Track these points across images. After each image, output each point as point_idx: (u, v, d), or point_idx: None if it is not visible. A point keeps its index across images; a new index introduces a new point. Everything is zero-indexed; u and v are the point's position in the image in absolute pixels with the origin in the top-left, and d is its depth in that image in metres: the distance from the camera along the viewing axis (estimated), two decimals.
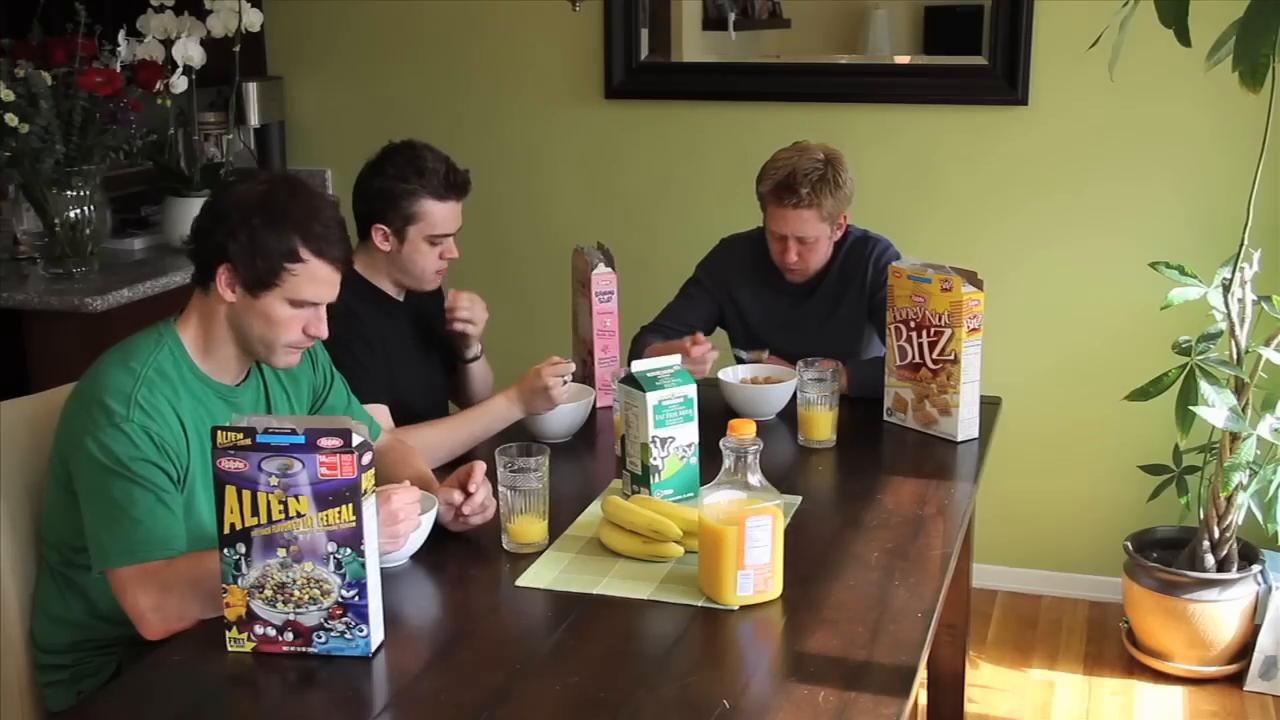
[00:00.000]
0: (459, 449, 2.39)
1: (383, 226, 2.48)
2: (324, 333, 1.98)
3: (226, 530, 1.63)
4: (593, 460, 2.47)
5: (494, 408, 2.43)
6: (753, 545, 1.77)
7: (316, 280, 1.93)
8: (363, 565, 1.64)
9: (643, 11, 3.65)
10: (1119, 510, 3.50)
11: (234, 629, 1.68)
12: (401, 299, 2.59)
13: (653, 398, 2.08)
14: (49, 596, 2.01)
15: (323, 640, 1.67)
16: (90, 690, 1.99)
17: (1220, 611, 3.12)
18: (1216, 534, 3.11)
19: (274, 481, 1.61)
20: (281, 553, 1.63)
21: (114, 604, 1.95)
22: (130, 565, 1.81)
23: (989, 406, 2.56)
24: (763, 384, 2.62)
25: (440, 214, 2.49)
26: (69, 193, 3.10)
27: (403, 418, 2.40)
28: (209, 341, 1.96)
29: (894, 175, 3.52)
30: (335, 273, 1.95)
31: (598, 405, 2.59)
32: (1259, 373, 2.97)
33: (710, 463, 2.02)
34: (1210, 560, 3.12)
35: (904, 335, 2.50)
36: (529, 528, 1.98)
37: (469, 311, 2.57)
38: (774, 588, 1.81)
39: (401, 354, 2.54)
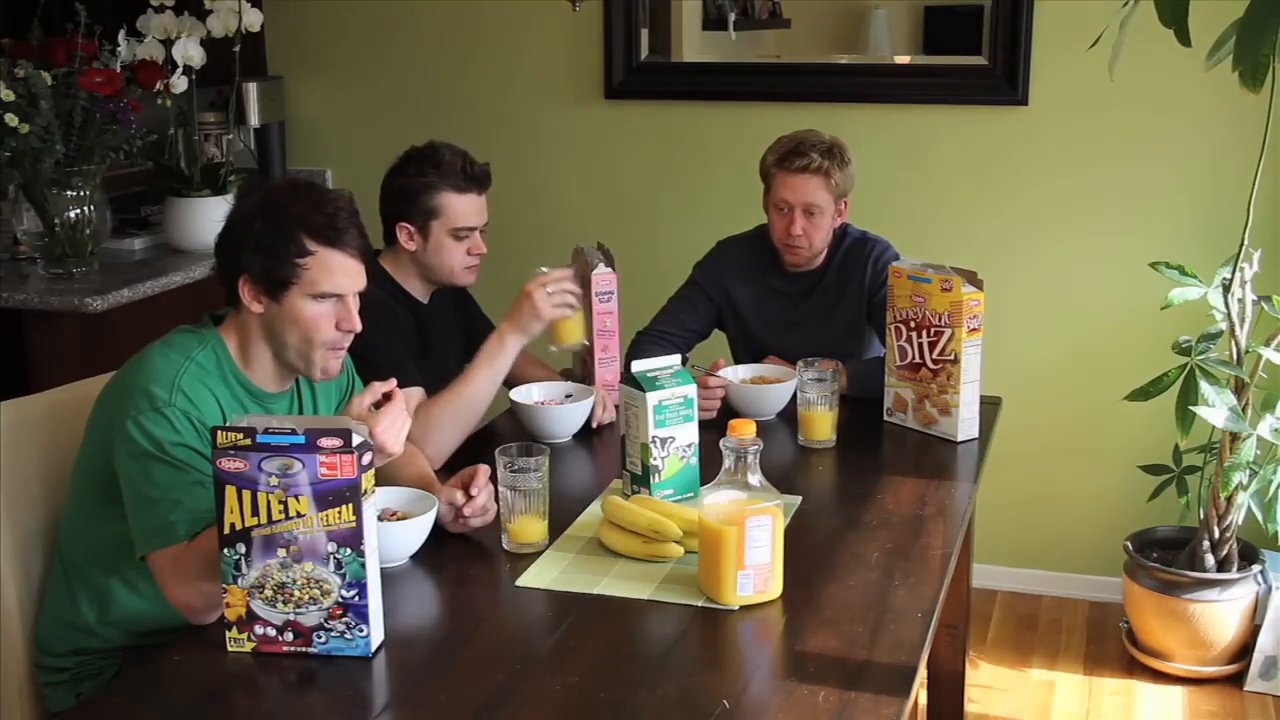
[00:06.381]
0: (479, 401, 2.35)
1: (407, 225, 2.52)
2: (356, 325, 1.97)
3: (226, 530, 1.63)
4: (593, 460, 2.47)
5: (489, 348, 2.38)
6: (753, 545, 1.77)
7: (331, 269, 1.92)
8: (363, 565, 1.64)
9: (643, 11, 3.65)
10: (1119, 510, 3.50)
11: (234, 629, 1.68)
12: (426, 301, 2.60)
13: (653, 398, 2.08)
14: (58, 599, 2.01)
15: (323, 640, 1.67)
16: (90, 692, 1.99)
17: (1220, 611, 3.12)
18: (1216, 534, 3.11)
19: (274, 481, 1.61)
20: (281, 553, 1.63)
21: (127, 608, 1.95)
22: (171, 546, 1.80)
23: (989, 406, 2.56)
24: (763, 384, 2.62)
25: (461, 207, 2.51)
26: (69, 193, 3.10)
27: None
28: (249, 354, 1.98)
29: (894, 175, 3.52)
30: (349, 259, 1.94)
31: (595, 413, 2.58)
32: (1259, 373, 2.97)
33: (710, 463, 2.02)
34: (1210, 560, 3.12)
35: (904, 335, 2.50)
36: (529, 528, 1.98)
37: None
38: (774, 588, 1.81)
39: (421, 356, 2.56)
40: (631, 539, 1.95)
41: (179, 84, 3.26)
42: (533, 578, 1.90)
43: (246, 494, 1.62)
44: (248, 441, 1.61)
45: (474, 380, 2.36)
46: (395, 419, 1.86)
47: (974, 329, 2.42)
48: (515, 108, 3.80)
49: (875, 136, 3.49)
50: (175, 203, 3.43)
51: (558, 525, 2.04)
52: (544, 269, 2.42)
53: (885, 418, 2.58)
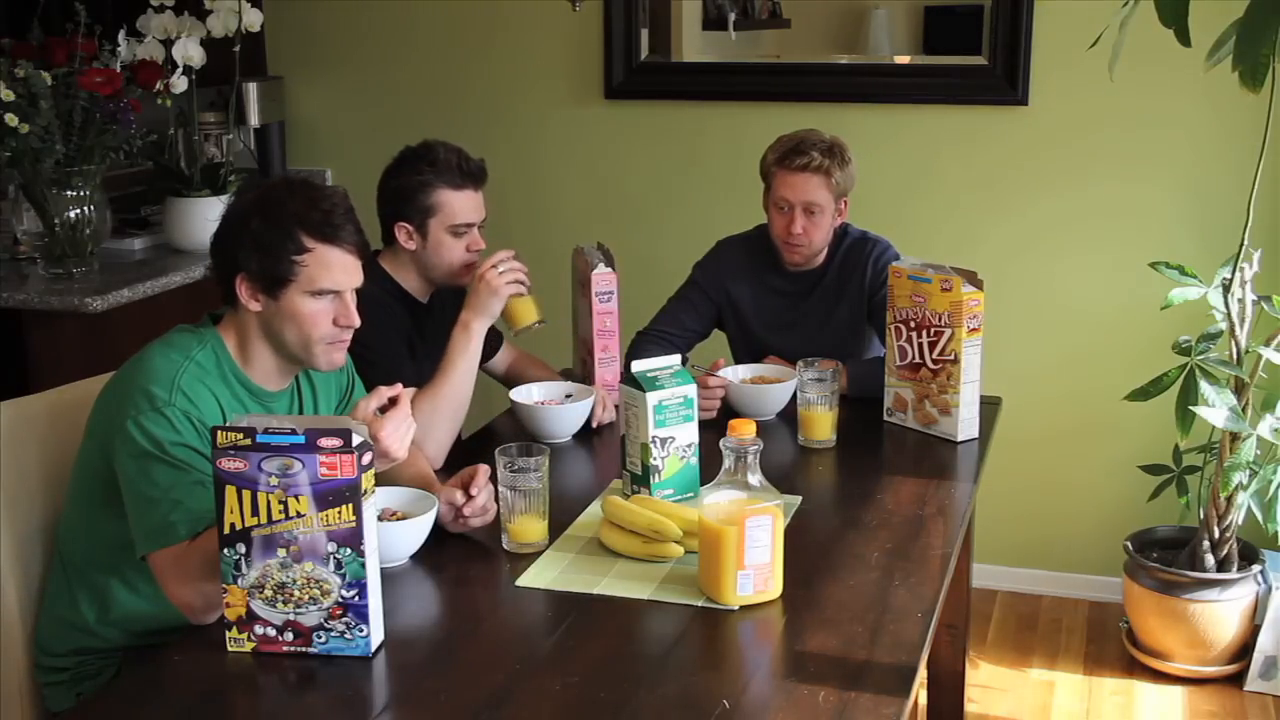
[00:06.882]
0: (463, 395, 2.36)
1: (405, 224, 2.52)
2: (355, 320, 1.97)
3: (226, 530, 1.63)
4: (593, 460, 2.47)
5: (458, 342, 2.38)
6: (753, 545, 1.77)
7: (329, 266, 1.93)
8: (363, 565, 1.64)
9: (643, 11, 3.65)
10: (1119, 510, 3.50)
11: (234, 629, 1.68)
12: (426, 301, 2.60)
13: (653, 398, 2.08)
14: (58, 599, 2.01)
15: (323, 640, 1.67)
16: (90, 692, 1.99)
17: (1220, 611, 3.12)
18: (1216, 534, 3.11)
19: (274, 481, 1.61)
20: (281, 553, 1.64)
21: (127, 609, 1.95)
22: (172, 546, 1.80)
23: (989, 406, 2.56)
24: (763, 384, 2.62)
25: (458, 203, 2.51)
26: (69, 193, 3.10)
27: None
28: (249, 352, 1.98)
29: (894, 175, 3.52)
30: (347, 255, 1.95)
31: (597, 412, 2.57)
32: (1259, 373, 2.97)
33: (710, 463, 2.02)
34: (1210, 560, 3.12)
35: (904, 335, 2.50)
36: (529, 528, 1.98)
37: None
38: (774, 588, 1.81)
39: (422, 357, 2.55)
40: (631, 539, 1.95)
41: (179, 84, 3.26)
42: (533, 578, 1.90)
43: (246, 494, 1.62)
44: (248, 441, 1.61)
45: (453, 375, 2.36)
46: (400, 424, 1.86)
47: (974, 329, 2.42)
48: (515, 108, 3.80)
49: (875, 137, 3.49)
50: (175, 203, 3.43)
51: (558, 525, 2.04)
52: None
53: (885, 418, 2.58)
